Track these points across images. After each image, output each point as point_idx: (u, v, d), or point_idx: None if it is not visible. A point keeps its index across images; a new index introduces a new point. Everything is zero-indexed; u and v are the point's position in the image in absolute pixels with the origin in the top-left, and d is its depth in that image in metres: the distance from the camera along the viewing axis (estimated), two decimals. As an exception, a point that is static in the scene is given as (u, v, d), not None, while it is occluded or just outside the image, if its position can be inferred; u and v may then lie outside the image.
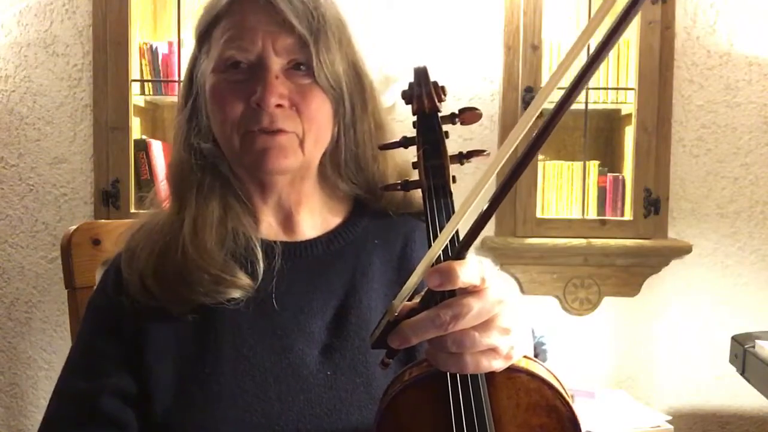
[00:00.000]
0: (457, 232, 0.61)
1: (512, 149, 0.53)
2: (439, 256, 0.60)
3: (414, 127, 0.77)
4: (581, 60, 0.51)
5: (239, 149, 0.83)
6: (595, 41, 0.51)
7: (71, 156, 2.30)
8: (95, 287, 0.90)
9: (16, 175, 2.31)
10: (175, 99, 2.27)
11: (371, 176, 0.92)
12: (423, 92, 0.77)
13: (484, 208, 0.56)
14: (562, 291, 2.32)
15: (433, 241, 0.67)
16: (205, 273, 0.81)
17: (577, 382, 2.12)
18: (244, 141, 0.83)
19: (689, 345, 2.33)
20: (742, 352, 1.82)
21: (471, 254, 0.60)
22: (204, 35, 0.86)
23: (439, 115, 0.77)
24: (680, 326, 2.33)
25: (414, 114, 0.78)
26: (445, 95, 0.78)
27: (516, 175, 0.53)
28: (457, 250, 0.59)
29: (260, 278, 0.84)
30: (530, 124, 0.52)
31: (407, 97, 0.79)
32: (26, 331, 2.35)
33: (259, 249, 0.84)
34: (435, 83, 0.79)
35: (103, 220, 1.61)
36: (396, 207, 0.94)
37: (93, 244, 1.11)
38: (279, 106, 0.81)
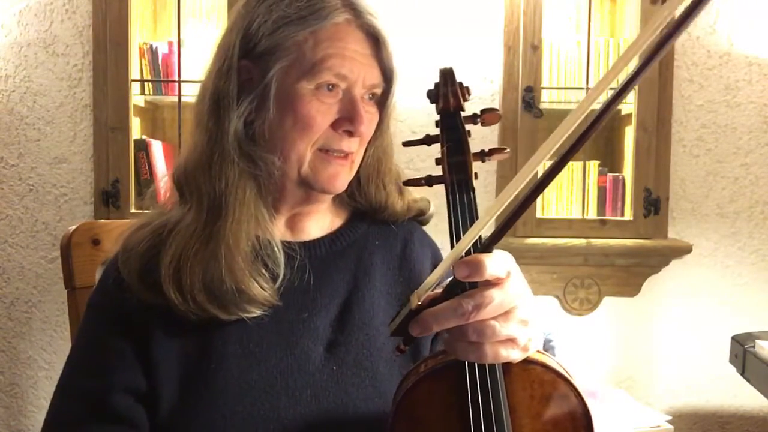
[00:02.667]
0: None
1: (554, 149, 0.54)
2: (468, 249, 0.61)
3: (437, 125, 0.80)
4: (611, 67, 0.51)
5: (309, 165, 0.84)
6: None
7: (71, 156, 2.30)
8: (95, 286, 0.89)
9: (16, 175, 2.32)
10: (175, 99, 2.27)
11: (378, 197, 0.95)
12: (449, 91, 0.81)
13: (516, 205, 0.57)
14: (562, 291, 2.32)
15: (455, 235, 0.70)
16: (234, 289, 0.80)
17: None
18: (315, 160, 0.84)
19: (689, 345, 2.33)
20: (742, 352, 1.82)
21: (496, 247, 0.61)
22: (285, 36, 0.82)
23: (462, 114, 0.79)
24: (680, 326, 2.33)
25: (438, 113, 0.81)
26: (469, 95, 0.82)
27: (552, 176, 0.54)
28: (486, 243, 0.60)
29: (279, 283, 0.84)
30: (576, 123, 0.53)
31: (432, 96, 0.82)
32: (26, 331, 2.35)
33: (281, 256, 0.85)
34: (460, 83, 0.83)
35: (103, 220, 1.61)
36: (396, 219, 0.97)
37: (93, 244, 1.11)
38: None
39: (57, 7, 2.27)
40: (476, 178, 0.75)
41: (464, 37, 2.26)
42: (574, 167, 2.32)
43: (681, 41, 2.26)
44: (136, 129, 2.30)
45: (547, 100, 2.26)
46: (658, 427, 2.00)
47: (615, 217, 2.31)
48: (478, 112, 0.79)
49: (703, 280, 2.32)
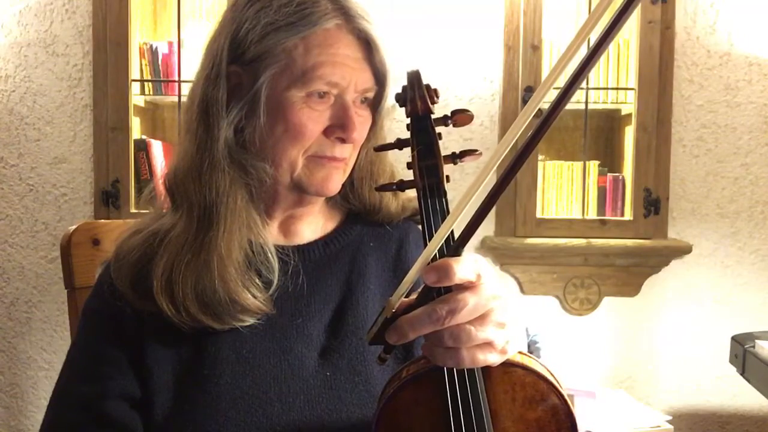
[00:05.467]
0: (452, 230, 0.62)
1: (508, 149, 0.54)
2: (436, 253, 0.61)
3: (408, 129, 0.79)
4: (576, 60, 0.52)
5: (301, 170, 0.84)
6: (587, 43, 0.51)
7: (71, 156, 2.30)
8: (91, 292, 0.89)
9: (16, 175, 2.32)
10: (175, 99, 2.27)
11: (372, 198, 0.94)
12: (416, 95, 0.79)
13: (480, 206, 0.57)
14: (562, 291, 2.32)
15: (429, 240, 0.68)
16: (227, 300, 0.79)
17: (577, 382, 2.12)
18: (308, 164, 0.84)
19: (689, 345, 2.33)
20: (742, 352, 1.82)
21: (466, 251, 0.61)
22: (274, 43, 0.81)
23: (432, 117, 0.78)
24: (680, 326, 2.33)
25: (408, 116, 0.79)
26: (437, 97, 0.81)
27: (511, 174, 0.55)
28: (454, 247, 0.60)
29: (272, 290, 0.83)
30: (526, 123, 0.53)
31: (401, 100, 0.81)
32: (26, 331, 2.35)
33: (275, 262, 0.84)
34: (427, 86, 0.81)
35: (103, 220, 1.61)
36: (391, 219, 0.96)
37: (93, 244, 1.11)
38: None
39: (57, 7, 2.27)
40: (448, 181, 0.74)
41: (464, 37, 2.26)
42: (574, 167, 2.33)
43: (681, 41, 2.26)
44: (136, 129, 2.30)
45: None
46: (658, 427, 2.00)
47: (615, 217, 2.31)
48: (449, 114, 0.78)
49: (703, 280, 2.32)
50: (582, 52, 0.52)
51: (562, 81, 0.54)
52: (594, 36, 0.51)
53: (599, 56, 0.50)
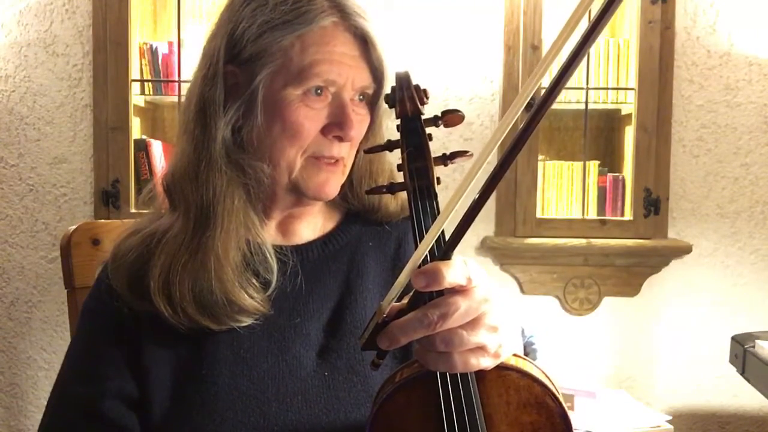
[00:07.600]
0: (443, 232, 0.62)
1: (494, 149, 0.53)
2: (426, 256, 0.60)
3: (398, 130, 0.78)
4: (561, 59, 0.52)
5: (299, 173, 0.83)
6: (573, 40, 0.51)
7: (71, 156, 2.30)
8: (89, 292, 0.89)
9: (16, 175, 2.32)
10: (175, 99, 2.27)
11: (371, 198, 0.93)
12: (404, 96, 0.78)
13: (469, 207, 0.56)
14: (562, 291, 2.32)
15: (419, 243, 0.68)
16: (224, 300, 0.79)
17: (577, 382, 2.12)
18: (306, 166, 0.83)
19: (689, 345, 2.33)
20: (742, 352, 1.82)
21: (456, 255, 0.60)
22: (270, 41, 0.80)
23: (422, 117, 0.77)
24: (680, 326, 2.33)
25: (397, 117, 0.79)
26: (427, 98, 0.80)
27: (499, 175, 0.53)
28: (443, 250, 0.59)
29: (271, 290, 0.83)
30: (511, 124, 0.52)
31: (390, 101, 0.80)
32: (26, 331, 2.35)
33: (273, 262, 0.84)
34: (417, 87, 0.80)
35: (102, 220, 1.61)
36: (390, 219, 0.95)
37: (93, 244, 1.11)
38: None
39: (57, 7, 2.27)
40: (439, 182, 0.73)
41: (464, 37, 2.25)
42: (574, 167, 2.33)
43: (681, 41, 2.26)
44: (136, 129, 2.30)
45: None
46: (658, 427, 2.00)
47: (615, 217, 2.31)
48: (439, 114, 0.77)
49: (703, 280, 2.32)
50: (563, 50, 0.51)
51: (551, 80, 0.53)
52: (579, 33, 0.51)
53: (585, 51, 0.50)
